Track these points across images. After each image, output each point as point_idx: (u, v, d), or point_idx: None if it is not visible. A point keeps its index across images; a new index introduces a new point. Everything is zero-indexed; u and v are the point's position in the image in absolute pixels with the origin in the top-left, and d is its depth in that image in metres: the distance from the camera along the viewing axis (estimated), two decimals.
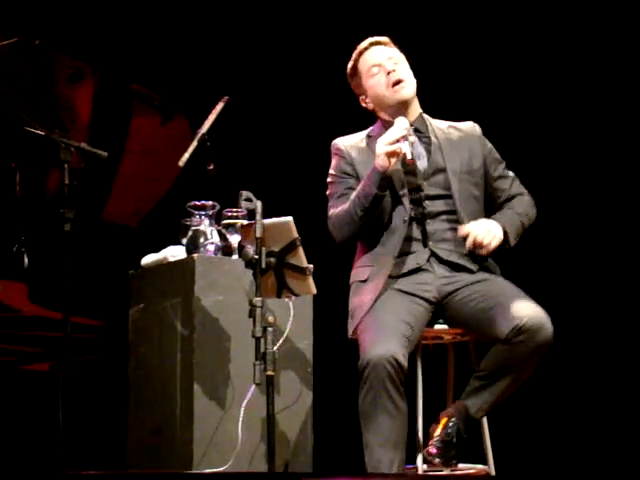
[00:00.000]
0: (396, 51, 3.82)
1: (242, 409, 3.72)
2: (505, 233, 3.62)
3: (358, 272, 3.73)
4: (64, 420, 3.57)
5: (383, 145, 3.56)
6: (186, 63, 5.79)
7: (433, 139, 3.77)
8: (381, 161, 3.55)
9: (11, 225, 4.65)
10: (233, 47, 5.86)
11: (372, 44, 3.82)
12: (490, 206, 3.79)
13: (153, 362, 3.97)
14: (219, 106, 4.11)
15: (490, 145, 3.86)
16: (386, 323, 3.48)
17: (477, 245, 3.55)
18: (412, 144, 3.59)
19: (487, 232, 3.56)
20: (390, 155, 3.54)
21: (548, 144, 5.54)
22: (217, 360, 3.81)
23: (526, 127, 5.52)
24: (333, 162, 3.83)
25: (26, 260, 4.59)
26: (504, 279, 3.67)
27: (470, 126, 3.88)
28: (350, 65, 3.85)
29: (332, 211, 3.74)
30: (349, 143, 3.82)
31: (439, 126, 3.83)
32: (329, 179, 3.83)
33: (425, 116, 3.85)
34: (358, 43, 3.90)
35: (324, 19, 5.81)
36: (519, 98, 5.56)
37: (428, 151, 3.74)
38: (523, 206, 3.77)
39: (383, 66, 3.75)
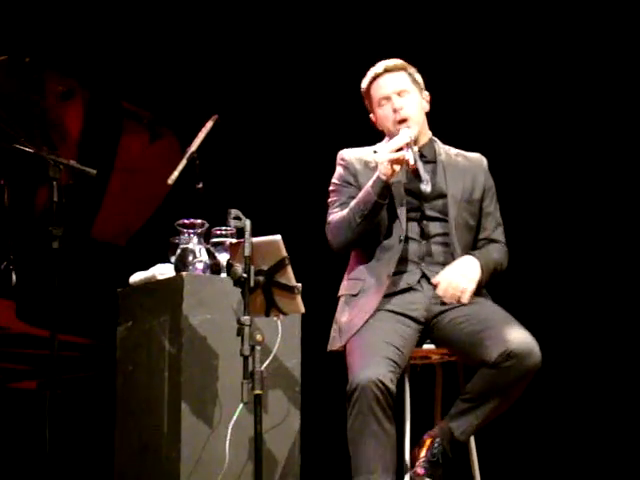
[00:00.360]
0: (407, 81, 3.80)
1: (230, 428, 3.70)
2: (481, 271, 3.63)
3: (350, 285, 3.74)
4: (51, 438, 3.55)
5: (387, 152, 3.59)
6: (176, 81, 5.80)
7: (439, 164, 3.80)
8: (384, 169, 3.58)
9: None
10: (221, 66, 5.88)
11: (385, 71, 3.80)
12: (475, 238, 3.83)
13: (141, 380, 3.95)
14: (208, 125, 4.12)
15: (492, 182, 3.89)
16: (375, 346, 3.48)
17: (450, 298, 3.57)
18: (415, 153, 3.59)
19: (457, 285, 3.57)
20: (394, 162, 3.56)
21: (541, 165, 5.58)
22: (205, 379, 3.80)
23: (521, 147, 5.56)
24: (337, 172, 3.85)
25: (14, 277, 4.58)
26: (493, 303, 3.68)
27: (478, 157, 3.91)
28: (364, 85, 3.84)
29: (331, 217, 3.76)
30: (354, 155, 3.84)
31: (447, 152, 3.86)
32: (331, 187, 3.85)
33: (435, 140, 3.87)
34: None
35: (313, 37, 5.84)
36: (529, 128, 5.60)
37: (432, 175, 3.75)
38: (499, 254, 3.79)
39: (391, 101, 3.76)
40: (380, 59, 3.86)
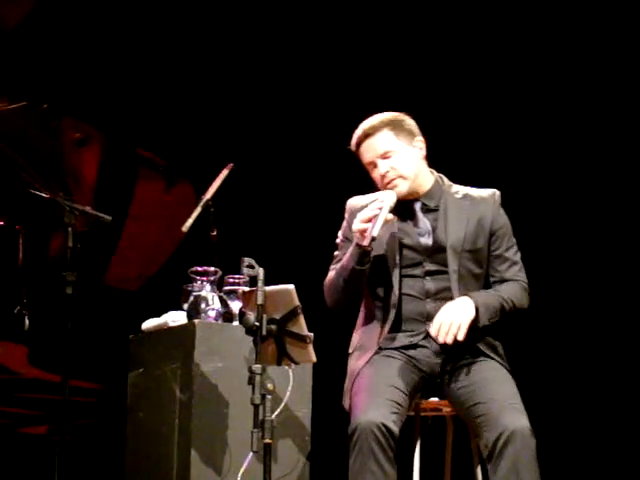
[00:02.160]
0: (391, 140, 3.66)
1: (239, 477, 3.68)
2: (477, 310, 3.55)
3: (353, 340, 3.75)
4: None
5: (357, 222, 3.53)
6: (192, 129, 5.84)
7: (441, 213, 3.69)
8: (358, 240, 3.53)
9: (13, 287, 4.65)
10: (237, 116, 5.92)
11: (366, 136, 3.68)
12: (486, 283, 3.75)
13: (151, 427, 3.95)
14: (224, 173, 4.14)
15: (504, 221, 3.75)
16: (377, 388, 3.47)
17: (444, 337, 3.51)
18: (387, 222, 3.52)
19: (450, 322, 3.50)
20: (361, 232, 3.50)
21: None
22: (215, 427, 3.80)
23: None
24: (343, 224, 3.81)
25: (27, 322, 4.59)
26: (500, 366, 3.62)
27: (487, 196, 3.76)
28: (353, 149, 3.75)
29: (328, 276, 3.75)
30: (357, 206, 3.73)
31: (454, 195, 3.73)
32: (337, 240, 3.82)
33: (440, 181, 3.75)
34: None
35: (327, 87, 5.88)
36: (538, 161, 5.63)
37: (434, 226, 3.68)
38: (509, 291, 3.68)
39: (377, 166, 3.66)
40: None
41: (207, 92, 5.90)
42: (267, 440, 3.34)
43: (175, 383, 3.85)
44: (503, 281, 3.71)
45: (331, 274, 3.70)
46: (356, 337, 3.74)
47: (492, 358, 3.62)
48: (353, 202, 3.79)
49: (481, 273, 3.71)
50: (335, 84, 5.88)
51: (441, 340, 3.50)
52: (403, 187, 3.65)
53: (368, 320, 3.71)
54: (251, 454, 3.50)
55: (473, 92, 5.73)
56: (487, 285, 3.73)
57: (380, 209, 3.52)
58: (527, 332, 4.17)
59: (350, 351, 3.74)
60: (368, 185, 3.90)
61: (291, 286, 3.46)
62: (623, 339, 5.47)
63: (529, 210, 3.99)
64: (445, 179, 3.79)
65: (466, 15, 5.77)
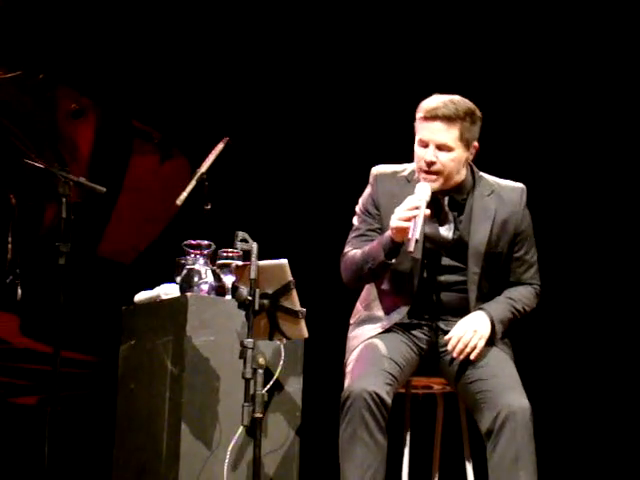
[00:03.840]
0: (455, 137, 3.51)
1: (229, 451, 3.69)
2: (493, 325, 3.56)
3: (358, 312, 3.73)
4: (49, 454, 3.55)
5: (395, 219, 3.43)
6: (188, 102, 5.82)
7: (467, 210, 3.63)
8: (392, 233, 3.46)
9: (6, 256, 4.65)
10: (234, 89, 5.90)
11: (438, 117, 3.49)
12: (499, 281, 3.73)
13: (141, 400, 3.95)
14: (219, 146, 4.13)
15: (527, 223, 3.70)
16: (373, 359, 3.48)
17: (458, 353, 3.52)
18: (421, 222, 3.41)
19: (467, 341, 3.51)
20: (399, 231, 3.42)
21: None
22: (206, 400, 3.80)
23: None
24: (365, 193, 3.71)
25: (19, 292, 4.59)
26: (500, 348, 3.61)
27: (516, 194, 3.70)
28: (417, 113, 3.56)
29: (347, 249, 3.67)
30: (387, 177, 3.67)
31: (482, 191, 3.66)
32: (356, 208, 3.73)
33: (473, 175, 3.67)
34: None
35: (325, 60, 5.87)
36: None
37: (458, 222, 3.63)
38: (522, 297, 3.68)
39: (428, 149, 3.52)
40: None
41: (204, 65, 5.88)
42: (258, 414, 3.35)
43: (167, 356, 3.84)
44: (518, 283, 3.71)
45: (354, 254, 3.62)
46: (362, 310, 3.71)
47: (494, 339, 3.62)
48: (380, 170, 3.70)
49: (497, 273, 3.69)
50: (331, 58, 5.86)
51: (455, 356, 3.53)
52: (439, 183, 3.56)
53: (383, 300, 3.67)
54: (241, 428, 3.51)
55: (490, 87, 5.70)
56: (499, 284, 3.71)
57: (418, 208, 3.42)
58: (528, 326, 4.16)
59: (352, 321, 3.72)
60: (361, 160, 3.88)
61: (284, 261, 3.46)
62: (621, 331, 5.47)
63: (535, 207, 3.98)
64: (475, 168, 3.70)
65: (483, 10, 5.74)
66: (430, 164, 3.53)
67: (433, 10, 5.74)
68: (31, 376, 5.15)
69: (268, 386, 3.57)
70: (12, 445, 5.29)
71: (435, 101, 3.55)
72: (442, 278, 3.63)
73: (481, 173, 3.72)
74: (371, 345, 3.55)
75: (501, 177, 3.76)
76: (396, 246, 3.47)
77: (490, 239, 3.63)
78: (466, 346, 3.51)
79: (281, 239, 4.89)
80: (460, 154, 3.55)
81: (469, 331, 3.53)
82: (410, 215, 3.40)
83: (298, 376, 3.98)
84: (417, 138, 3.57)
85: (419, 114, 3.56)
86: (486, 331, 3.54)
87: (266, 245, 3.48)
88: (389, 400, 3.37)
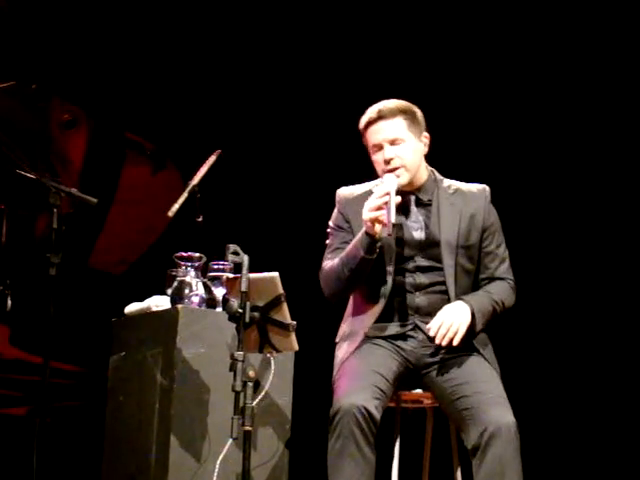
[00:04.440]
0: (402, 128, 3.65)
1: (218, 463, 3.69)
2: (473, 316, 3.58)
3: (340, 330, 3.75)
4: (38, 466, 3.53)
5: (367, 211, 3.51)
6: (180, 114, 5.83)
7: (434, 209, 3.70)
8: (369, 228, 3.51)
9: None
10: (226, 102, 5.91)
11: (379, 117, 3.64)
12: (476, 279, 3.76)
13: (131, 411, 3.94)
14: (211, 159, 4.13)
15: (494, 217, 3.78)
16: (361, 373, 3.48)
17: (441, 338, 3.53)
18: (394, 209, 3.48)
19: (450, 325, 3.53)
20: (373, 221, 3.50)
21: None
22: (195, 412, 3.79)
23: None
24: (333, 213, 3.80)
25: (9, 302, 4.58)
26: (488, 363, 3.62)
27: (478, 192, 3.78)
28: (360, 126, 3.71)
29: (325, 263, 3.72)
30: (350, 197, 3.76)
31: (446, 190, 3.74)
32: (328, 229, 3.80)
33: (433, 177, 3.76)
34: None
35: (317, 74, 5.88)
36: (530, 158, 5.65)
37: (427, 221, 3.69)
38: (500, 292, 3.71)
39: (383, 149, 3.64)
40: (381, 95, 3.78)
41: (197, 77, 5.89)
42: (247, 427, 3.34)
43: (156, 368, 3.84)
44: (493, 279, 3.74)
45: (332, 263, 3.67)
46: (344, 327, 3.75)
47: (480, 354, 3.64)
48: (345, 192, 3.80)
49: (473, 269, 3.73)
50: (323, 72, 5.87)
51: (438, 342, 3.53)
52: (404, 178, 3.65)
53: (357, 310, 3.71)
54: (231, 440, 3.50)
55: (460, 87, 5.74)
56: (476, 281, 3.75)
57: (388, 194, 3.50)
58: (512, 330, 4.19)
59: (337, 340, 3.74)
60: (352, 173, 3.90)
61: (275, 274, 3.46)
62: (607, 337, 5.50)
63: (512, 206, 4.00)
64: (437, 173, 3.80)
65: (453, 15, 5.78)
66: (389, 160, 3.64)
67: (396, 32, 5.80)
68: (20, 387, 5.13)
69: (258, 399, 3.57)
70: (0, 456, 5.27)
71: (371, 110, 3.70)
72: (419, 280, 3.66)
73: (442, 177, 3.80)
74: (358, 360, 3.56)
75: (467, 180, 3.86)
76: (373, 240, 3.52)
77: (460, 232, 3.68)
78: (448, 330, 3.52)
79: (272, 252, 4.89)
80: (414, 144, 3.68)
81: (449, 317, 3.54)
82: (381, 202, 3.48)
83: (288, 389, 3.98)
84: (371, 148, 3.69)
85: (362, 126, 3.71)
86: (466, 318, 3.56)
87: (257, 258, 3.48)
88: (378, 415, 3.37)
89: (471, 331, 3.58)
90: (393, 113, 3.66)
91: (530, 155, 5.68)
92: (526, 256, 4.10)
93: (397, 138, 3.64)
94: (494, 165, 5.40)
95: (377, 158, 3.68)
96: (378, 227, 3.50)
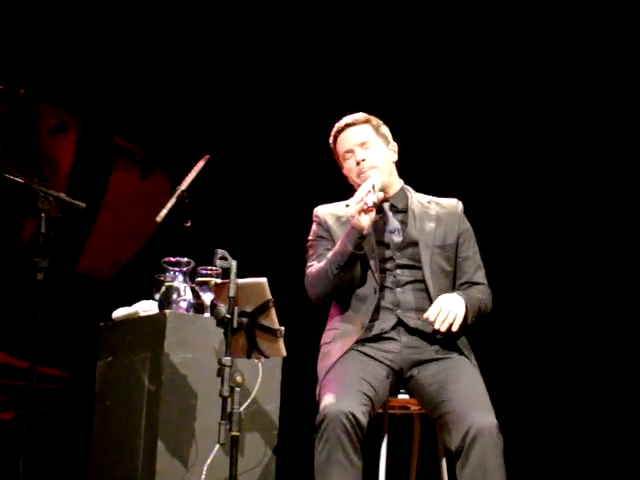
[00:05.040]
0: (370, 133, 3.83)
1: (205, 468, 3.69)
2: (466, 309, 3.63)
3: (326, 335, 3.76)
4: (25, 471, 3.53)
5: (353, 204, 3.61)
6: (169, 120, 5.83)
7: (410, 213, 3.81)
8: (356, 220, 3.59)
9: None
10: (215, 108, 5.91)
11: (347, 125, 3.84)
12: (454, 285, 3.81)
13: (118, 416, 3.94)
14: (200, 164, 4.13)
15: (468, 225, 3.89)
16: (347, 380, 3.49)
17: (440, 322, 3.56)
18: (376, 196, 3.60)
19: (449, 310, 3.57)
20: (362, 212, 3.57)
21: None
22: (183, 418, 3.79)
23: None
24: (312, 228, 3.89)
25: None
26: (470, 364, 3.64)
27: (453, 203, 3.92)
28: (330, 141, 3.89)
29: (309, 270, 3.77)
30: (328, 211, 3.87)
31: (420, 200, 3.88)
32: (308, 243, 3.87)
33: (406, 189, 3.89)
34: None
35: (306, 83, 5.89)
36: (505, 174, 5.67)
37: (404, 224, 3.78)
38: (482, 295, 3.77)
39: (354, 153, 3.80)
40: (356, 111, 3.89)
41: (185, 83, 5.89)
42: (234, 432, 3.34)
43: (144, 373, 3.84)
44: (472, 284, 3.80)
45: (318, 265, 3.72)
46: (331, 331, 3.75)
47: (462, 354, 3.66)
48: (322, 208, 3.90)
49: (450, 271, 3.79)
50: (310, 81, 5.89)
51: (437, 326, 3.57)
52: (380, 176, 3.75)
53: (344, 312, 3.73)
54: (218, 446, 3.50)
55: (433, 102, 5.78)
56: (455, 284, 3.80)
57: (373, 184, 3.61)
58: (492, 334, 4.22)
59: (328, 341, 3.73)
60: (338, 184, 3.92)
61: (263, 279, 3.46)
62: (589, 339, 5.53)
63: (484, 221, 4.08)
64: (410, 189, 3.92)
65: (423, 27, 5.82)
66: (361, 162, 3.77)
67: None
68: (7, 391, 5.12)
69: (245, 404, 3.57)
70: None
71: (338, 123, 3.88)
72: (399, 276, 3.71)
73: (415, 192, 3.92)
74: (345, 367, 3.56)
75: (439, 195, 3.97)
76: (361, 235, 3.60)
77: (436, 233, 3.78)
78: (447, 316, 3.56)
79: (261, 257, 4.90)
80: (382, 148, 3.83)
81: (447, 304, 3.59)
82: (365, 193, 3.58)
83: (275, 395, 3.98)
84: (342, 156, 3.84)
85: (332, 138, 3.88)
86: (462, 308, 3.62)
87: (245, 263, 3.48)
88: (364, 421, 3.37)
89: (462, 325, 3.61)
90: (360, 121, 3.85)
91: (502, 170, 5.73)
92: (500, 264, 4.14)
93: (366, 141, 3.81)
94: (465, 182, 5.41)
95: (349, 165, 3.82)
96: (365, 219, 3.57)
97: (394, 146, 3.88)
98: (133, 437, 3.82)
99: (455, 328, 3.57)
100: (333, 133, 3.87)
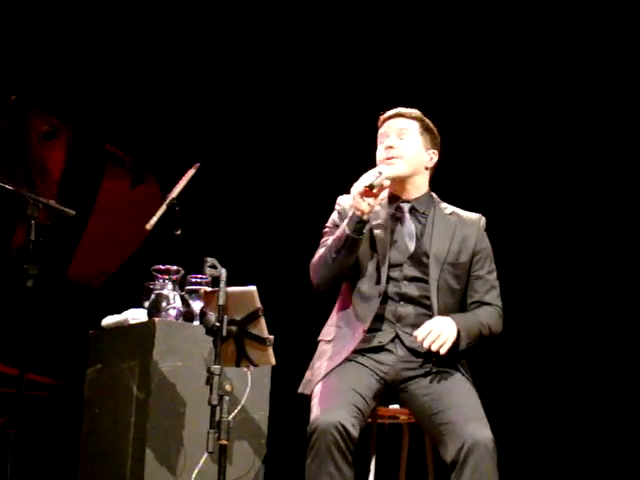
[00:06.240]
0: (414, 127, 3.77)
1: (193, 477, 3.68)
2: (458, 335, 3.57)
3: (327, 330, 3.74)
4: (12, 479, 3.52)
5: (355, 187, 3.55)
6: (160, 127, 5.83)
7: (429, 221, 3.74)
8: (356, 203, 3.53)
9: None
10: (205, 117, 5.92)
11: (397, 114, 3.78)
12: (463, 303, 3.76)
13: (107, 424, 3.93)
14: (190, 172, 4.13)
15: (486, 244, 3.81)
16: (339, 391, 3.47)
17: (429, 343, 3.52)
18: (377, 179, 3.52)
19: (439, 333, 3.52)
20: (362, 195, 3.50)
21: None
22: (171, 426, 3.78)
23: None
24: (332, 216, 3.82)
25: None
26: (464, 378, 3.63)
27: (474, 218, 3.83)
28: (379, 119, 3.83)
29: (316, 254, 3.73)
30: (349, 202, 3.74)
31: (443, 210, 3.79)
32: (324, 229, 3.82)
33: (432, 196, 3.81)
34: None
35: (293, 87, 5.90)
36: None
37: (419, 232, 3.72)
38: (488, 317, 3.71)
39: (388, 138, 3.75)
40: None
41: (176, 91, 5.89)
42: (223, 441, 3.33)
43: (133, 381, 3.83)
44: (482, 304, 3.75)
45: (321, 251, 3.69)
46: (332, 327, 3.73)
47: (456, 369, 3.64)
48: (345, 199, 3.79)
49: (459, 290, 3.73)
50: (302, 84, 5.89)
51: (426, 345, 3.51)
52: (400, 167, 3.70)
53: (346, 310, 3.71)
54: (206, 454, 3.49)
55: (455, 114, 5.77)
56: (463, 305, 3.75)
57: (380, 172, 3.55)
58: (487, 347, 4.22)
59: (327, 339, 3.71)
60: (332, 190, 3.91)
61: (253, 288, 3.46)
62: (585, 354, 5.54)
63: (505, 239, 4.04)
64: (435, 196, 3.84)
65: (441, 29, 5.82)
66: (389, 148, 3.72)
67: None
68: None
69: (234, 413, 3.56)
70: None
71: (395, 109, 3.81)
72: (405, 289, 3.66)
73: (441, 200, 3.84)
74: (337, 377, 3.54)
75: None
76: (360, 220, 3.54)
77: (450, 249, 3.71)
78: (437, 337, 3.51)
79: (250, 266, 4.89)
80: (419, 147, 3.78)
81: (438, 327, 3.54)
82: (369, 180, 3.51)
83: (264, 404, 3.98)
84: (380, 139, 3.79)
85: (380, 122, 3.81)
86: (453, 333, 3.55)
87: (235, 272, 3.48)
88: (355, 433, 3.36)
89: (454, 349, 3.57)
90: (412, 116, 3.80)
91: (526, 189, 5.71)
92: (508, 278, 4.12)
93: (405, 131, 3.75)
94: (490, 197, 5.41)
95: (380, 148, 3.76)
96: (365, 204, 3.51)
97: (434, 153, 3.80)
98: (121, 445, 3.81)
99: (443, 351, 3.52)
100: (384, 115, 3.81)
